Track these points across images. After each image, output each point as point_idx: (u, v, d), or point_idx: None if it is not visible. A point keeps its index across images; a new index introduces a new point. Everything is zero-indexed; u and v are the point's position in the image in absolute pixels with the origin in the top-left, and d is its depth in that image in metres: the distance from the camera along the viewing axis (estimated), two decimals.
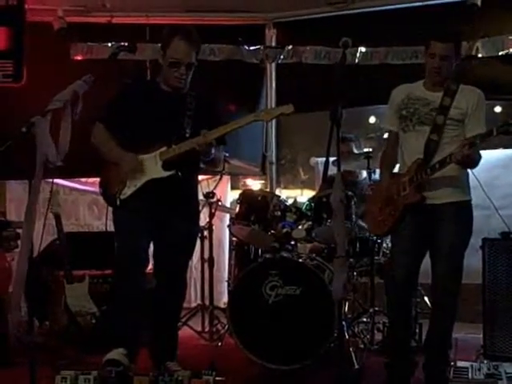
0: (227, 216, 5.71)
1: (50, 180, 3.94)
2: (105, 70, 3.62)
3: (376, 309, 4.33)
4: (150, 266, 3.62)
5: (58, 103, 3.26)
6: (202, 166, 3.61)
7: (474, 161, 3.24)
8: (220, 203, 5.02)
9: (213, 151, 3.38)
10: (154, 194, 3.38)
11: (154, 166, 3.38)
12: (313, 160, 6.15)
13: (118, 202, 3.43)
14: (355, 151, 5.05)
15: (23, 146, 3.25)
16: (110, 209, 3.56)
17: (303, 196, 6.50)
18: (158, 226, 3.45)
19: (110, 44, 5.67)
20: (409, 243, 3.34)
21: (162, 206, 3.41)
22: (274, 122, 6.06)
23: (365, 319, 4.46)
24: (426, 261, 3.40)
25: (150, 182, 3.38)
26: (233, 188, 6.28)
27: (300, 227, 4.21)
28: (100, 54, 5.64)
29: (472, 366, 3.32)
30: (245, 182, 6.46)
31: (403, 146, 3.42)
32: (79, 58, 5.73)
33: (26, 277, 3.30)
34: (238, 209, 4.39)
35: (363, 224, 4.29)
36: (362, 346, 4.18)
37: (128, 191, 3.41)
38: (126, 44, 3.75)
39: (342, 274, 2.99)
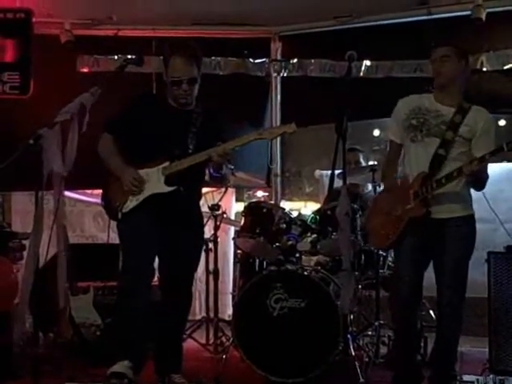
0: (232, 228, 5.72)
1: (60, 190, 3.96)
2: (111, 83, 3.64)
3: (381, 322, 4.31)
4: (156, 279, 3.62)
5: (66, 115, 3.29)
6: (209, 181, 3.61)
7: (481, 179, 3.24)
8: (225, 216, 5.03)
9: (224, 167, 3.39)
10: (156, 208, 3.39)
11: (156, 181, 3.38)
12: (317, 173, 6.17)
13: (120, 216, 3.43)
14: (362, 162, 5.06)
15: (30, 157, 3.28)
16: (114, 221, 3.56)
17: (307, 208, 6.51)
18: (162, 239, 3.44)
19: (116, 57, 5.72)
20: (412, 257, 3.33)
21: (164, 219, 3.41)
22: None
23: (370, 332, 4.45)
24: (431, 274, 3.40)
25: (153, 196, 3.39)
26: (237, 200, 6.30)
27: (305, 240, 4.20)
28: (106, 67, 5.68)
29: (478, 380, 3.31)
30: (249, 195, 6.47)
31: (409, 155, 3.42)
32: (86, 70, 5.77)
33: (31, 288, 3.32)
34: (243, 221, 4.40)
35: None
36: (366, 359, 4.16)
37: (130, 205, 3.41)
38: (134, 57, 3.76)
39: (349, 289, 2.99)
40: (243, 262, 4.69)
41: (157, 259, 3.55)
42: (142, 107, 3.51)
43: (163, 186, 3.38)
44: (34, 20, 5.43)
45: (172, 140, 3.41)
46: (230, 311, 5.54)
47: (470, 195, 3.38)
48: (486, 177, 3.29)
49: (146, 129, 3.44)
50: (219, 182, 3.63)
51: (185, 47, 3.43)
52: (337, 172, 3.35)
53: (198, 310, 5.82)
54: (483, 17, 5.04)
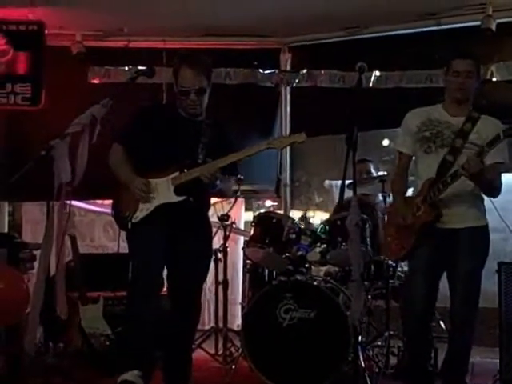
0: (241, 238, 5.72)
1: (67, 202, 4.00)
2: (122, 94, 3.67)
3: (391, 332, 4.30)
4: (165, 288, 3.62)
5: (77, 127, 3.32)
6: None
7: (490, 180, 3.20)
8: (234, 225, 5.03)
9: (218, 183, 3.37)
10: (165, 218, 3.39)
11: (166, 191, 3.39)
12: (327, 183, 6.18)
13: (130, 226, 3.44)
14: (373, 172, 5.05)
15: (42, 168, 3.30)
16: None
17: (316, 217, 6.51)
18: (171, 248, 3.45)
19: (127, 68, 5.76)
20: (426, 267, 3.32)
21: (174, 229, 3.43)
22: None
23: (380, 343, 4.43)
24: (442, 285, 3.38)
25: (162, 206, 3.40)
26: (246, 209, 6.31)
27: (315, 250, 4.20)
28: (117, 78, 5.73)
29: None
30: (259, 204, 6.48)
31: (421, 166, 3.42)
32: (97, 81, 5.82)
33: (42, 299, 3.34)
34: (252, 231, 4.40)
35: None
36: (376, 370, 4.15)
37: (140, 215, 3.42)
38: (145, 68, 3.79)
39: (359, 299, 2.98)
40: (252, 272, 4.68)
41: (165, 269, 3.56)
42: (152, 117, 3.53)
43: (173, 195, 3.39)
44: (46, 32, 5.48)
45: (182, 150, 3.42)
46: (239, 321, 5.53)
47: (482, 204, 3.36)
48: (499, 184, 3.26)
49: (155, 139, 3.45)
50: (218, 195, 3.64)
51: (194, 58, 3.46)
52: (347, 182, 3.36)
53: (207, 320, 5.82)
54: (493, 27, 5.03)
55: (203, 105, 3.48)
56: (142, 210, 3.42)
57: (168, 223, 3.40)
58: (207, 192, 3.58)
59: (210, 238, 3.74)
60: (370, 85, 5.52)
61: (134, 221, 3.43)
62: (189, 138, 3.45)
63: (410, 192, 3.57)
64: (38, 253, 4.01)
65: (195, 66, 3.40)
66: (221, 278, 4.94)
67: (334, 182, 6.08)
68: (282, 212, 5.78)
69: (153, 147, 3.46)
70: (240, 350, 4.27)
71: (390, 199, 4.51)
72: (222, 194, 3.68)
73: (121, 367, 3.37)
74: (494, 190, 3.31)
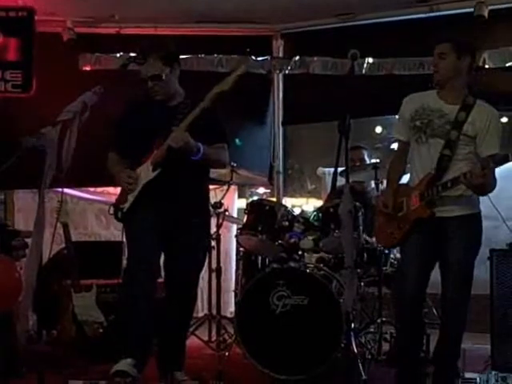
0: (234, 226, 5.73)
1: (59, 189, 4.00)
2: (114, 81, 3.65)
3: (383, 319, 4.31)
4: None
5: (69, 114, 3.31)
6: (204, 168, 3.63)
7: (486, 185, 3.17)
8: (227, 213, 5.03)
9: (199, 147, 3.39)
10: (150, 197, 3.43)
11: (146, 173, 3.45)
12: (320, 170, 6.18)
13: (120, 215, 3.49)
14: (367, 160, 5.05)
15: (33, 155, 3.30)
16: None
17: (308, 204, 6.53)
18: (167, 237, 3.48)
19: (118, 55, 5.72)
20: (418, 255, 3.32)
21: (164, 207, 3.44)
22: (281, 132, 6.10)
23: (372, 329, 4.45)
24: (434, 271, 3.40)
25: (146, 187, 3.44)
26: (239, 197, 6.31)
27: (307, 237, 4.21)
28: (108, 65, 5.69)
29: (480, 377, 3.31)
30: (252, 192, 6.48)
31: (415, 157, 3.40)
32: (88, 68, 5.78)
33: (34, 287, 3.34)
34: (245, 219, 4.40)
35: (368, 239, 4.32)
36: (369, 356, 4.17)
37: (128, 203, 3.48)
38: (136, 55, 3.78)
39: (352, 286, 2.99)
40: (245, 259, 4.69)
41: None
42: (131, 112, 3.60)
43: (151, 173, 3.44)
44: (36, 18, 5.43)
45: (161, 134, 3.44)
46: (232, 308, 5.55)
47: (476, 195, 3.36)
48: (494, 183, 3.23)
49: (137, 131, 3.50)
50: (209, 164, 3.63)
51: (152, 46, 3.57)
52: (339, 170, 3.35)
53: (200, 308, 5.83)
54: (486, 14, 5.02)
55: (167, 90, 3.52)
56: (130, 199, 3.47)
57: (155, 201, 3.42)
58: (193, 162, 3.48)
59: (208, 227, 3.73)
60: (363, 72, 5.50)
61: (124, 210, 3.47)
62: (166, 121, 3.47)
63: (405, 178, 3.56)
64: (30, 240, 4.01)
65: (150, 54, 3.50)
66: (214, 265, 4.95)
67: (326, 170, 6.08)
68: (274, 199, 5.80)
69: (137, 140, 3.50)
70: (233, 337, 4.29)
71: (382, 186, 4.52)
72: (212, 163, 3.66)
73: (115, 355, 3.38)
74: (488, 191, 3.28)
